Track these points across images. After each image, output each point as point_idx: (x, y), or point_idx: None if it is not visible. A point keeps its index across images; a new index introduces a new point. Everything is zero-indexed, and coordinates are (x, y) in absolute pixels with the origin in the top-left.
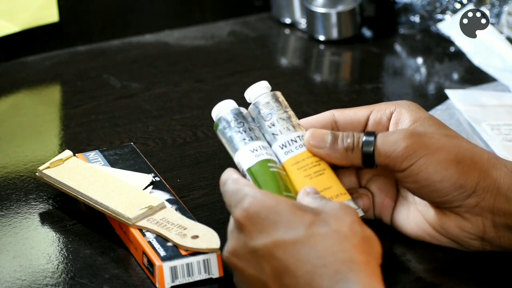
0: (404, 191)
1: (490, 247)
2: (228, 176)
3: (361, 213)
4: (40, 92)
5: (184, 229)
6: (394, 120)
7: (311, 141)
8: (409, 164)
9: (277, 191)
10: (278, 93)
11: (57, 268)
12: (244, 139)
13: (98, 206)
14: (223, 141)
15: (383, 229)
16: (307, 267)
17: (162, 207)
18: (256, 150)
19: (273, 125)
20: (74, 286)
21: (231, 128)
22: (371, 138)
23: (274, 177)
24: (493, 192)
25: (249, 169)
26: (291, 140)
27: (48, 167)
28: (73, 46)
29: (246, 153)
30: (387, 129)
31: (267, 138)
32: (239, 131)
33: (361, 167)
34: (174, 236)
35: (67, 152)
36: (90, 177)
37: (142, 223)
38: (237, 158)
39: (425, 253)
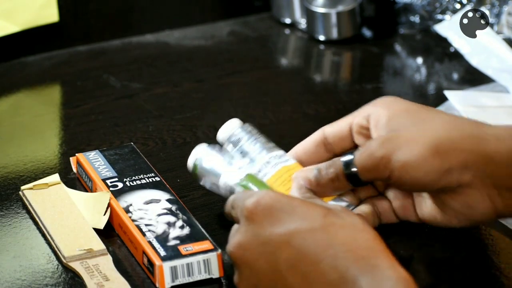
0: None
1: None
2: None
3: None
4: (40, 92)
5: (107, 280)
6: (374, 122)
7: (301, 182)
8: (390, 171)
9: None
10: (248, 125)
11: (57, 268)
12: (228, 162)
13: (47, 235)
14: (204, 174)
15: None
16: (329, 252)
17: (103, 253)
18: (242, 168)
19: (249, 152)
20: (74, 286)
21: (209, 160)
22: (350, 158)
23: (266, 185)
24: (486, 163)
25: (244, 177)
26: (266, 162)
27: (31, 188)
28: (73, 46)
29: (232, 171)
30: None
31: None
32: (219, 159)
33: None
34: (93, 285)
35: (55, 177)
36: (59, 207)
37: (75, 264)
38: (223, 178)
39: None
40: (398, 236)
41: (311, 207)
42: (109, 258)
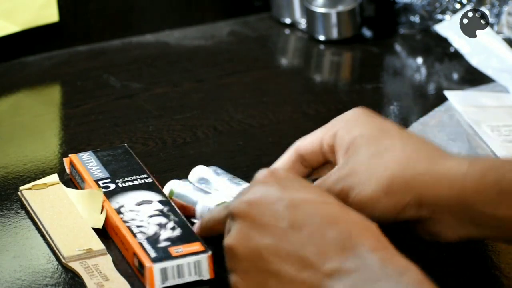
0: None
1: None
2: None
3: None
4: (40, 92)
5: (106, 280)
6: (338, 146)
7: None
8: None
9: None
10: (214, 167)
11: (57, 268)
12: (202, 192)
13: (46, 236)
14: (180, 203)
15: None
16: (345, 221)
17: (102, 253)
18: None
19: (218, 190)
20: (74, 286)
21: (185, 187)
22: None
23: None
24: (440, 204)
25: (222, 202)
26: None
27: (30, 189)
28: (73, 46)
29: (208, 197)
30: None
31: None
32: (194, 189)
33: None
34: (92, 285)
35: (54, 177)
36: (58, 207)
37: (74, 264)
38: (201, 202)
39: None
40: (396, 236)
41: (322, 189)
42: (108, 258)
